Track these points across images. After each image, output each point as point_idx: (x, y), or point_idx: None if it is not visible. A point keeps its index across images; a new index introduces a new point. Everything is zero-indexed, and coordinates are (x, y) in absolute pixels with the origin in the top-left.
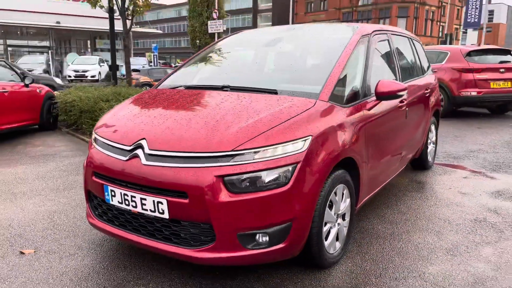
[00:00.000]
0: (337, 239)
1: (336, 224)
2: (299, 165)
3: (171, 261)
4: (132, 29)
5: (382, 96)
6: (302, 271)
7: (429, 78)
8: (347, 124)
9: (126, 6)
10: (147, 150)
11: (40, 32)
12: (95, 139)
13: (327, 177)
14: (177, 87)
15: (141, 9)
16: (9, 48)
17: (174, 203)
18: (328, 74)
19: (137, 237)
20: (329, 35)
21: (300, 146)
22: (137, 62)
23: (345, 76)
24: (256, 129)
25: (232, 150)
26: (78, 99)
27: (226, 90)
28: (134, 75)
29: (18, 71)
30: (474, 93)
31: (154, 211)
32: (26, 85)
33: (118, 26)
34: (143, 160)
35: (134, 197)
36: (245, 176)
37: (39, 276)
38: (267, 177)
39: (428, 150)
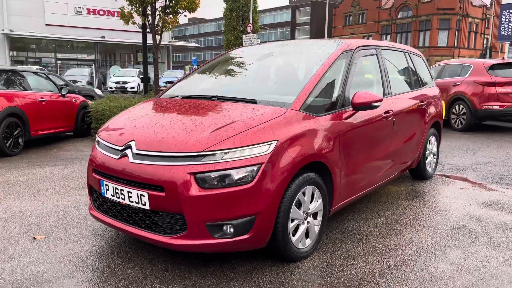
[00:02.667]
0: (307, 236)
1: (305, 222)
2: (263, 166)
3: (157, 250)
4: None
5: (357, 106)
6: (272, 263)
7: (427, 91)
8: (319, 131)
9: (156, 22)
10: (134, 150)
11: (87, 46)
12: (98, 141)
13: (292, 178)
14: (175, 97)
15: (170, 25)
16: (59, 61)
17: (153, 196)
18: (303, 86)
19: (125, 226)
20: (314, 50)
21: (265, 149)
22: (173, 75)
23: (322, 88)
24: (227, 133)
25: (203, 151)
26: (107, 108)
27: (214, 100)
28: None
29: (57, 82)
30: (496, 107)
31: (138, 203)
32: (63, 95)
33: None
34: (131, 159)
35: (123, 190)
36: (214, 173)
37: (44, 257)
38: (234, 175)
39: (427, 161)
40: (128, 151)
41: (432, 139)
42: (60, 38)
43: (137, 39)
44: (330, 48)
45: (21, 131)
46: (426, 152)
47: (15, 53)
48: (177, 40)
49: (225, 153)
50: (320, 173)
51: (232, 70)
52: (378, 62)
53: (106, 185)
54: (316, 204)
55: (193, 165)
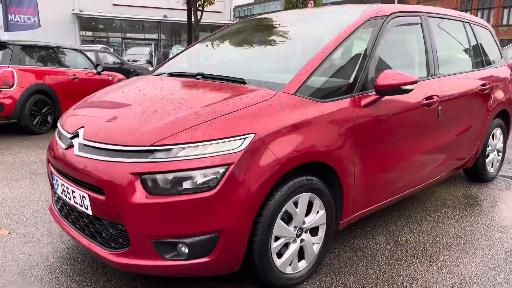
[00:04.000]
0: (301, 257)
1: (298, 240)
2: (232, 168)
3: None
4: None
5: (381, 90)
6: None
7: (493, 72)
8: (322, 122)
9: None
10: (81, 139)
11: (152, 26)
12: (58, 127)
13: (277, 183)
14: (162, 74)
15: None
16: (125, 41)
17: (94, 199)
18: (305, 63)
19: (72, 231)
20: (333, 17)
21: (236, 145)
22: None
23: (333, 65)
24: (188, 122)
25: (153, 145)
26: None
27: (198, 79)
28: None
29: (93, 60)
30: None
31: (82, 205)
32: (99, 73)
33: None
34: (75, 150)
35: (68, 188)
36: (164, 175)
37: None
38: (191, 178)
39: (488, 159)
40: (75, 141)
41: (497, 132)
42: (126, 18)
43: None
44: (352, 14)
45: (49, 108)
46: (488, 149)
47: (85, 33)
48: (237, 19)
49: (182, 148)
50: (323, 176)
51: (233, 44)
52: (423, 33)
53: (56, 179)
54: (316, 217)
55: (139, 163)
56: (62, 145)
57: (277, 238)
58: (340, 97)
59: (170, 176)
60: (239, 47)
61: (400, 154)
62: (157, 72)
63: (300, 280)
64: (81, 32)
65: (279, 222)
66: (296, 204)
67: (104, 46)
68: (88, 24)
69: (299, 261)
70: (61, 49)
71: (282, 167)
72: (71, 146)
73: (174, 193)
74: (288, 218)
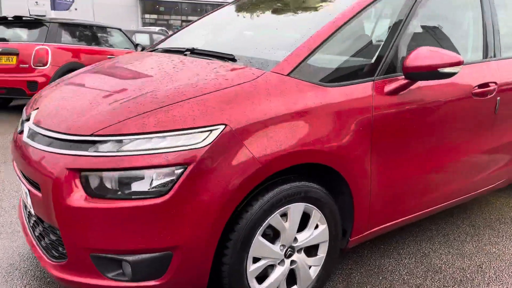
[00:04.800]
0: (292, 282)
1: (287, 262)
2: (190, 168)
3: None
4: None
5: (412, 73)
6: None
7: None
8: (326, 113)
9: None
10: (30, 123)
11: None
12: None
13: (255, 190)
14: (156, 49)
15: None
16: (184, 23)
17: (33, 195)
18: (308, 37)
19: (26, 229)
20: None
21: (199, 139)
22: None
23: (347, 39)
24: (140, 107)
25: (92, 135)
26: None
27: (185, 55)
28: None
29: (133, 40)
30: None
31: (27, 201)
32: None
33: None
34: (24, 136)
35: (20, 179)
36: (105, 174)
37: None
38: (137, 180)
39: None
40: (26, 125)
41: None
42: (188, 1)
43: None
44: None
45: None
46: None
47: (147, 16)
48: None
49: (129, 141)
50: (328, 182)
51: (240, 16)
52: (482, 4)
53: (16, 168)
54: (314, 233)
55: (77, 156)
56: (18, 128)
57: (256, 259)
58: (355, 81)
59: (111, 175)
60: (246, 20)
61: (439, 156)
62: (157, 47)
63: None
64: (143, 15)
65: (259, 240)
66: (284, 216)
67: (162, 28)
68: (150, 7)
69: (289, 287)
70: (99, 28)
71: (261, 169)
72: (22, 131)
73: (116, 197)
74: (274, 234)
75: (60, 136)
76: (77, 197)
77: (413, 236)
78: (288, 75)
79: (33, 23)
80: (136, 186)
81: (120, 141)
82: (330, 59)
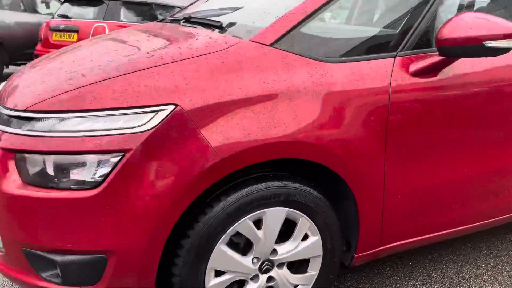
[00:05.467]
0: None
1: (262, 278)
2: (128, 156)
3: None
4: None
5: (449, 47)
6: None
7: None
8: (323, 95)
9: None
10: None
11: None
12: None
13: (217, 188)
14: (164, 20)
15: None
16: None
17: None
18: None
19: None
20: None
21: (141, 121)
22: None
23: (358, 4)
24: (81, 80)
25: (25, 111)
26: None
27: (180, 23)
28: None
29: None
30: None
31: None
32: None
33: None
34: None
35: None
36: (35, 157)
37: None
38: (65, 167)
39: None
40: None
41: None
42: None
43: None
44: None
45: None
46: None
47: None
48: None
49: (60, 119)
50: (326, 182)
51: None
52: None
53: None
54: (300, 245)
55: (12, 134)
56: None
57: (220, 273)
58: (369, 56)
59: (42, 159)
60: None
61: (479, 161)
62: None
63: None
64: None
65: (221, 249)
66: (258, 223)
67: None
68: None
69: None
70: (160, 5)
71: (221, 164)
72: None
73: (45, 186)
74: (246, 244)
75: (5, 112)
76: (9, 182)
77: (454, 253)
78: (271, 45)
79: (94, 0)
80: (68, 175)
81: (52, 119)
82: (333, 27)
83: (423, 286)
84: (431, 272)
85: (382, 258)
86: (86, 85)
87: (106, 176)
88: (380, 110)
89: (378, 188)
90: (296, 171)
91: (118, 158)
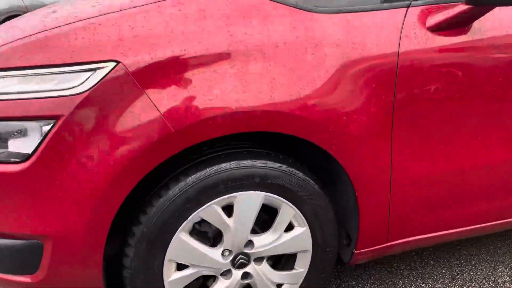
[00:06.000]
0: None
1: (236, 274)
2: (60, 123)
3: None
4: None
5: None
6: None
7: None
8: (307, 55)
9: None
10: None
11: None
12: None
13: (174, 167)
14: None
15: None
16: None
17: None
18: None
19: None
20: None
21: (75, 82)
22: None
23: None
24: (15, 33)
25: None
26: None
27: None
28: None
29: None
30: None
31: None
32: None
33: None
34: None
35: None
36: None
37: None
38: None
39: None
40: None
41: None
42: None
43: None
44: None
45: None
46: None
47: None
48: None
49: None
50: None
51: None
52: None
53: None
54: (283, 237)
55: None
56: None
57: (182, 266)
58: (372, 6)
59: None
60: None
61: None
62: None
63: None
64: None
65: (181, 239)
66: (229, 209)
67: None
68: None
69: None
70: None
71: (175, 135)
72: None
73: None
74: (215, 234)
75: None
76: None
77: (487, 252)
78: None
79: None
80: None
81: None
82: None
83: None
84: (456, 274)
85: (397, 255)
86: (19, 39)
87: (36, 148)
88: (385, 76)
89: (383, 173)
90: (283, 149)
91: (49, 127)
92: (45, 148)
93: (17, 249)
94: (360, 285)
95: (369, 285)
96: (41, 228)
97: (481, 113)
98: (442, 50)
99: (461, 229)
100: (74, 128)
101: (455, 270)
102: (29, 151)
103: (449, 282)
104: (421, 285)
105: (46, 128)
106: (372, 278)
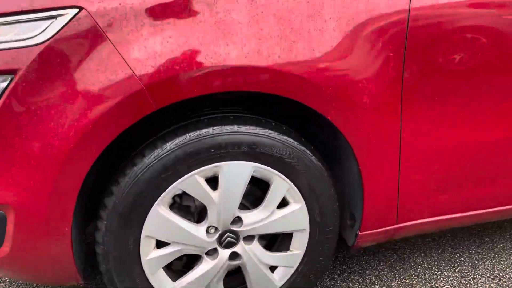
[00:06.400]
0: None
1: (222, 254)
2: (17, 78)
3: None
4: None
5: None
6: None
7: None
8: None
9: None
10: None
11: None
12: None
13: (148, 132)
14: None
15: None
16: None
17: None
18: None
19: None
20: None
21: (34, 31)
22: None
23: None
24: None
25: None
26: None
27: None
28: None
29: None
30: None
31: None
32: None
33: None
34: None
35: None
36: None
37: None
38: None
39: None
40: None
41: None
42: None
43: None
44: None
45: None
46: None
47: None
48: None
49: None
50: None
51: None
52: None
53: None
54: (275, 214)
55: None
56: None
57: (163, 244)
58: None
59: None
60: None
61: None
62: None
63: None
64: None
65: (158, 213)
66: (213, 181)
67: None
68: None
69: None
70: None
71: (145, 93)
72: None
73: None
74: (200, 209)
75: None
76: None
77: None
78: None
79: None
80: None
81: None
82: None
83: (462, 279)
84: (476, 262)
85: (411, 240)
86: None
87: None
88: (393, 37)
89: (391, 144)
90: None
91: (6, 83)
92: (1, 107)
93: None
94: (367, 271)
95: (377, 272)
96: (1, 198)
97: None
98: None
99: (479, 211)
100: (31, 84)
101: (476, 258)
102: None
103: (468, 271)
104: (436, 273)
105: (3, 85)
106: (382, 264)
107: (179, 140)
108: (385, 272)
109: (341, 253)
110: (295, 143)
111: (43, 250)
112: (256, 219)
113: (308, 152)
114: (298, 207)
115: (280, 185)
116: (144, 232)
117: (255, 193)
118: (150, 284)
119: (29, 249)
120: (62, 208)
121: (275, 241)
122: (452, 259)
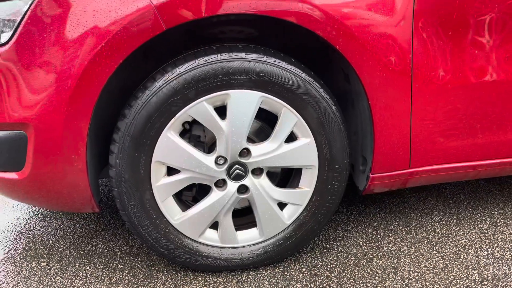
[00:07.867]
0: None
1: (230, 185)
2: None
3: None
4: None
5: None
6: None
7: None
8: None
9: None
10: None
11: None
12: None
13: (159, 56)
14: None
15: None
16: None
17: None
18: None
19: None
20: None
21: None
22: None
23: None
24: None
25: None
26: None
27: None
28: None
29: None
30: None
31: None
32: None
33: None
34: None
35: None
36: None
37: None
38: None
39: None
40: None
41: None
42: None
43: None
44: None
45: None
46: None
47: None
48: None
49: None
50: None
51: None
52: None
53: None
54: (283, 148)
55: None
56: None
57: (173, 172)
58: None
59: None
60: None
61: None
62: None
63: (240, 263)
64: None
65: (168, 138)
66: (221, 110)
67: None
68: None
69: (244, 229)
70: None
71: (160, 12)
72: None
73: None
74: (208, 140)
75: None
76: None
77: None
78: None
79: None
80: None
81: None
82: None
83: (482, 235)
84: (498, 221)
85: (431, 201)
86: None
87: (15, 30)
88: None
89: (402, 78)
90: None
91: (27, 6)
92: (23, 28)
93: (2, 143)
94: (382, 225)
95: (392, 226)
96: (22, 116)
97: None
98: None
99: (496, 160)
100: (51, 5)
101: (498, 218)
102: (10, 33)
103: (489, 228)
104: (454, 229)
105: (24, 8)
106: (398, 220)
107: (188, 65)
108: (401, 227)
109: (356, 209)
110: (303, 74)
111: (60, 172)
112: (264, 151)
113: (317, 84)
114: (306, 141)
115: (288, 117)
116: (154, 157)
117: (265, 131)
118: (160, 210)
119: (47, 171)
120: (77, 127)
121: (287, 183)
122: (473, 218)
